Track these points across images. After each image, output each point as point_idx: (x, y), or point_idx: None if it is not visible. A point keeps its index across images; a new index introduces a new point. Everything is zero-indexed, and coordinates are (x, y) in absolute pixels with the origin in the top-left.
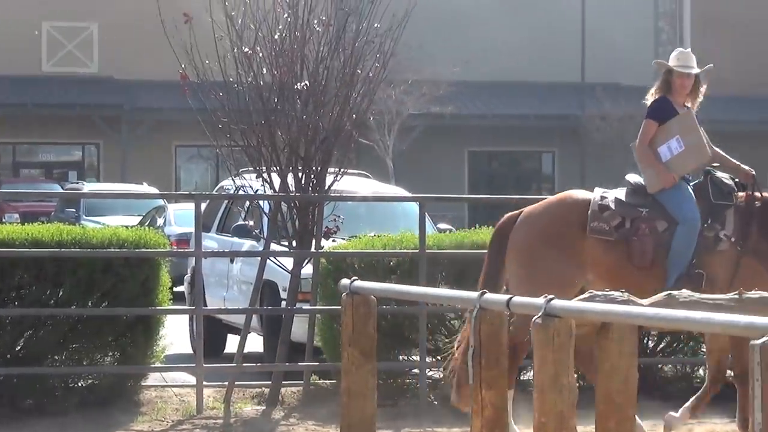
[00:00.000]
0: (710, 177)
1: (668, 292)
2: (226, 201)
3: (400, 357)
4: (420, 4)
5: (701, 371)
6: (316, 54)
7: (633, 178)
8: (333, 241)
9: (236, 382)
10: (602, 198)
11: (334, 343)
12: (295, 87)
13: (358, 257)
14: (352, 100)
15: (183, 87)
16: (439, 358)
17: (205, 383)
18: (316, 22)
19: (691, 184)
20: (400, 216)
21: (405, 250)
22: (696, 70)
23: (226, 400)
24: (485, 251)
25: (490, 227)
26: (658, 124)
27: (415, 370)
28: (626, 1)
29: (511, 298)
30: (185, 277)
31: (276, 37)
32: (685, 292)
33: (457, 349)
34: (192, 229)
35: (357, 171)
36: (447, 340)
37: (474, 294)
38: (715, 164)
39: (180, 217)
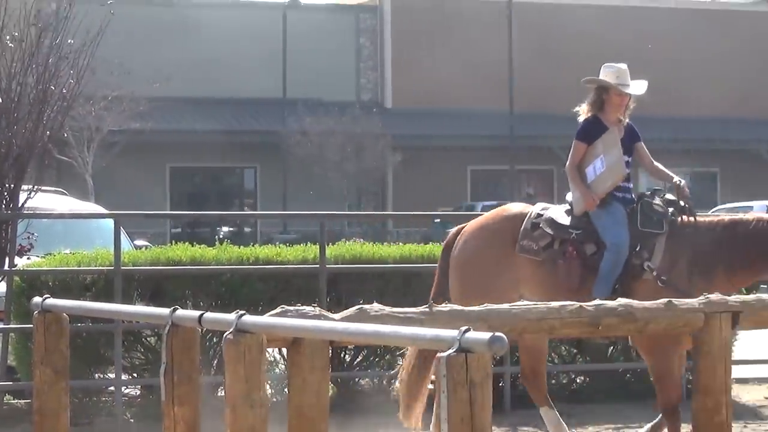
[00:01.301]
0: (641, 203)
1: (360, 306)
2: None
3: (96, 375)
4: (120, 20)
5: (399, 384)
6: (9, 70)
7: (570, 197)
8: (27, 258)
9: None
10: (537, 216)
11: (28, 362)
12: None
13: (52, 275)
14: (46, 117)
15: None
16: (135, 375)
17: None
18: (8, 38)
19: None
20: (96, 233)
21: (100, 267)
22: (636, 91)
23: None
24: (181, 267)
25: (188, 243)
26: (587, 145)
27: (111, 388)
28: (327, 18)
29: (202, 314)
30: None
31: None
32: (376, 306)
33: (403, 366)
34: None
35: (53, 188)
36: (143, 358)
37: (166, 311)
38: (656, 188)
39: None
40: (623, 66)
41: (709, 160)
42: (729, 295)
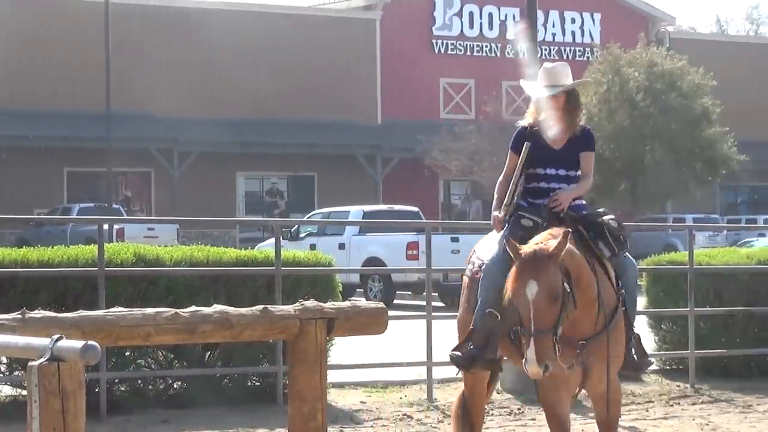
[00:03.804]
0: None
1: None
2: None
3: None
4: None
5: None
6: None
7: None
8: None
9: None
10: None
11: None
12: None
13: None
14: None
15: None
16: None
17: None
18: None
19: None
20: None
21: None
22: (552, 89)
23: None
24: None
25: None
26: (518, 156)
27: None
28: None
29: None
30: None
31: None
32: None
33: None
34: None
35: None
36: None
37: None
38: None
39: None
40: (553, 65)
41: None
42: (325, 302)
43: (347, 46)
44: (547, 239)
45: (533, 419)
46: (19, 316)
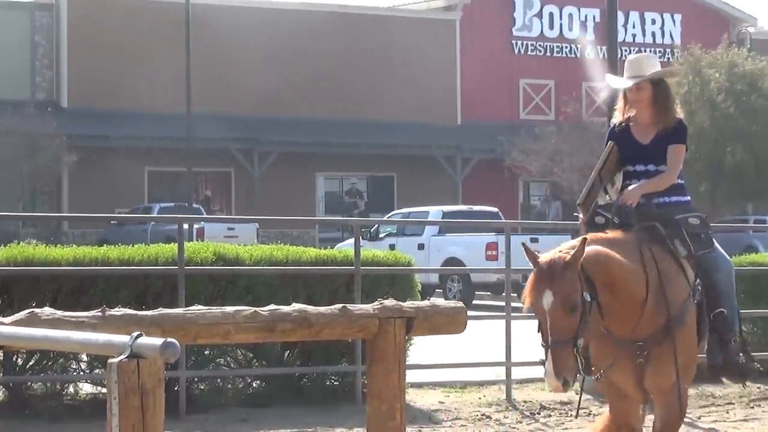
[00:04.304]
0: None
1: (31, 310)
2: None
3: None
4: None
5: (71, 388)
6: None
7: None
8: None
9: None
10: None
11: None
12: None
13: None
14: None
15: None
16: None
17: None
18: None
19: None
20: None
21: None
22: (635, 80)
23: None
24: None
25: None
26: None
27: None
28: (2, 14)
29: None
30: None
31: None
32: (48, 310)
33: None
34: None
35: None
36: None
37: None
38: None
39: None
40: (639, 54)
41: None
42: (404, 302)
43: (427, 47)
44: (572, 247)
45: None
46: (100, 313)
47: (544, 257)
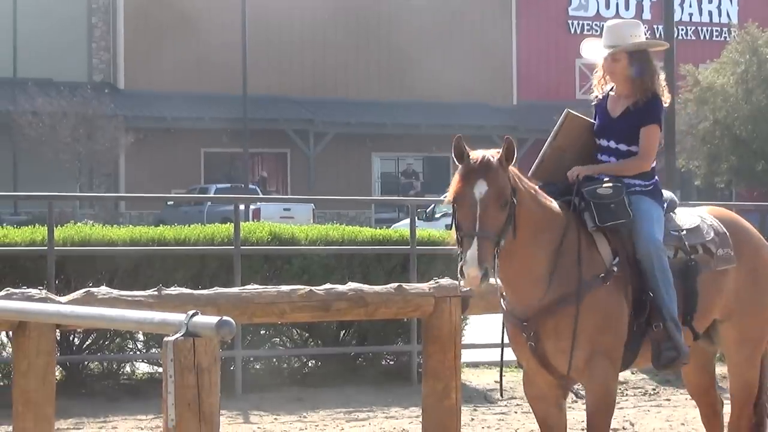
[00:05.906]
0: None
1: (88, 289)
2: None
3: None
4: None
5: (128, 368)
6: None
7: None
8: None
9: None
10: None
11: None
12: None
13: None
14: None
15: None
16: None
17: None
18: None
19: None
20: None
21: None
22: (610, 50)
23: None
24: None
25: None
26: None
27: None
28: None
29: None
30: None
31: None
32: (104, 289)
33: None
34: None
35: None
36: None
37: None
38: None
39: None
40: (616, 21)
41: None
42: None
43: (483, 27)
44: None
45: (668, 399)
46: (156, 292)
47: (474, 153)
